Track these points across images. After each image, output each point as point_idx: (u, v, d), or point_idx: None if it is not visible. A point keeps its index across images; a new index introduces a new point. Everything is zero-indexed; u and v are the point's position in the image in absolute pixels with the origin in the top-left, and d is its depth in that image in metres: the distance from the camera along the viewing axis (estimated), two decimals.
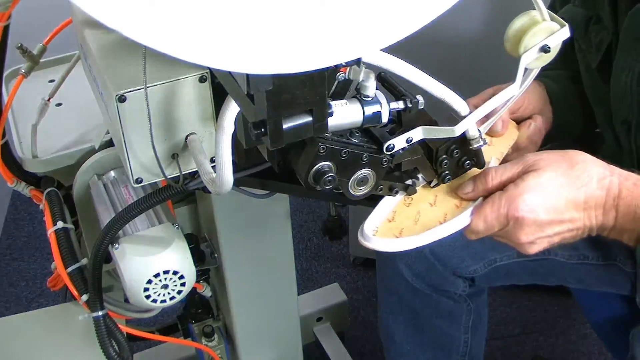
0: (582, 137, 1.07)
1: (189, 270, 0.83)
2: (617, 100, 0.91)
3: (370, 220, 0.76)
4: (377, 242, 0.75)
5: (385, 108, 0.68)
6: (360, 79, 0.65)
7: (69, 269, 0.84)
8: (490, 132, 0.87)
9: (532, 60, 0.71)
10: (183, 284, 0.83)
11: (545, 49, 0.70)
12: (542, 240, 0.75)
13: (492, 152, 0.85)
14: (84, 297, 0.83)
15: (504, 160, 0.85)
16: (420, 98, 0.70)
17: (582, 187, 0.73)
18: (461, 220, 0.75)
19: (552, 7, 1.03)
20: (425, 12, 0.47)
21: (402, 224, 0.76)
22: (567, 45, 0.73)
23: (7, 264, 1.89)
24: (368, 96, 0.67)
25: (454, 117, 0.73)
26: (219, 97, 0.69)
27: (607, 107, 0.94)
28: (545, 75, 1.02)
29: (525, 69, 0.72)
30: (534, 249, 0.76)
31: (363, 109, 0.67)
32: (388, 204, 0.77)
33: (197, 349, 1.16)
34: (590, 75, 0.96)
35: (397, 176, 0.76)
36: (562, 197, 0.73)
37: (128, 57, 0.69)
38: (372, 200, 0.77)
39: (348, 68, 0.64)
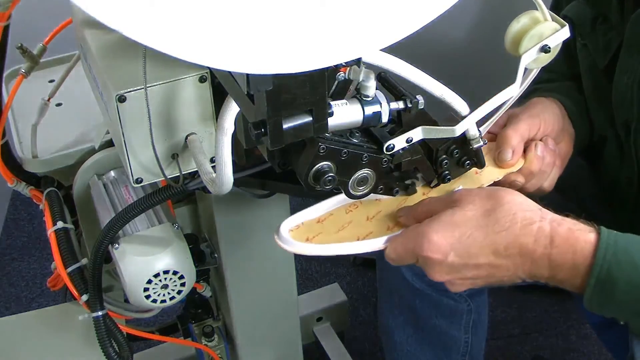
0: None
1: (189, 270, 0.83)
2: (618, 102, 0.91)
3: (300, 215, 0.75)
4: (282, 238, 0.74)
5: (385, 108, 0.68)
6: (360, 79, 0.65)
7: (69, 269, 0.84)
8: (500, 162, 0.82)
9: (532, 60, 0.71)
10: (183, 284, 0.83)
11: (545, 49, 0.70)
12: (463, 281, 0.70)
13: (483, 179, 0.81)
14: (84, 297, 0.83)
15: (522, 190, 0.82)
16: (420, 98, 0.70)
17: (501, 231, 0.67)
18: (374, 244, 0.73)
19: (557, 4, 1.02)
20: (425, 12, 0.47)
21: (325, 229, 0.75)
22: (570, 43, 0.72)
23: (7, 264, 1.89)
24: (368, 96, 0.67)
25: (454, 117, 0.73)
26: (219, 97, 0.69)
27: (609, 108, 0.94)
28: (553, 89, 0.99)
29: (526, 69, 0.72)
30: (455, 289, 0.72)
31: (363, 109, 0.67)
32: (328, 204, 0.76)
33: (197, 349, 1.16)
34: (593, 74, 0.95)
35: (397, 176, 0.76)
36: (476, 240, 0.68)
37: (128, 57, 0.69)
38: None
39: (348, 68, 0.64)
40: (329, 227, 0.75)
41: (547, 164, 0.86)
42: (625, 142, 0.93)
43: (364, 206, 0.77)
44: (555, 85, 1.02)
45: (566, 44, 0.72)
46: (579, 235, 0.67)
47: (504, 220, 0.67)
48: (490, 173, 0.82)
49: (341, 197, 0.76)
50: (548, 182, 0.88)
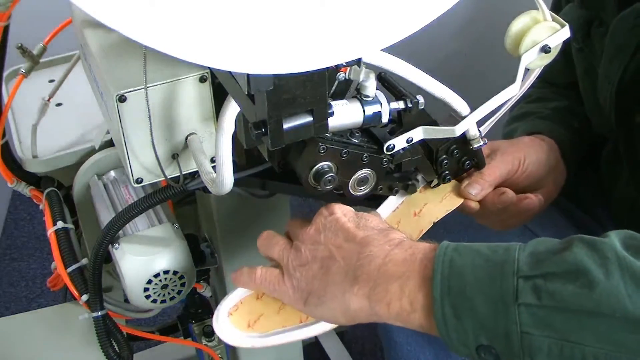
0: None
1: (189, 270, 0.83)
2: (603, 106, 0.91)
3: (238, 292, 0.71)
4: (220, 327, 0.68)
5: (386, 108, 0.68)
6: (361, 79, 0.65)
7: (69, 269, 0.84)
8: (462, 191, 0.80)
9: (532, 61, 0.71)
10: (183, 284, 0.83)
11: (545, 49, 0.70)
12: (306, 246, 0.68)
13: (429, 216, 0.78)
14: (84, 297, 0.83)
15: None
16: (420, 98, 0.70)
17: (370, 229, 0.67)
18: (321, 327, 0.69)
19: (557, 5, 1.02)
20: (425, 12, 0.47)
21: (266, 308, 0.70)
22: (566, 49, 0.72)
23: (7, 264, 1.89)
24: (368, 96, 0.67)
25: (454, 117, 0.73)
26: (219, 97, 0.69)
27: None
28: (547, 117, 0.99)
29: (526, 69, 0.72)
30: (289, 253, 0.68)
31: (363, 109, 0.67)
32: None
33: (197, 349, 1.16)
34: (590, 78, 0.95)
35: (397, 176, 0.76)
36: (347, 225, 0.67)
37: (128, 57, 0.69)
38: (372, 200, 0.77)
39: (348, 68, 0.64)
40: (269, 305, 0.70)
41: (501, 214, 0.84)
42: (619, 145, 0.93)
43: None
44: (552, 107, 1.01)
45: (563, 50, 0.72)
46: (421, 244, 0.64)
47: (381, 226, 0.68)
48: (433, 211, 0.79)
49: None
50: (511, 222, 0.86)
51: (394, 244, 0.64)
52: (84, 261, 0.85)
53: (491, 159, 0.84)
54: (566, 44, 0.71)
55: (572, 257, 0.56)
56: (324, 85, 0.58)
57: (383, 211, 0.77)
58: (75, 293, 0.84)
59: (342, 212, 0.69)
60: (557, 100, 1.03)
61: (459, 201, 0.80)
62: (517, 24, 0.71)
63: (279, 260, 0.70)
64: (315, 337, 1.55)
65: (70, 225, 0.89)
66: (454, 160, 0.77)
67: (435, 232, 0.76)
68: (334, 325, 0.68)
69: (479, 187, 0.80)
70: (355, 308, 0.63)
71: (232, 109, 0.64)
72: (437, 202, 0.79)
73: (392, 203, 0.78)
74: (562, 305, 0.54)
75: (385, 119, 0.69)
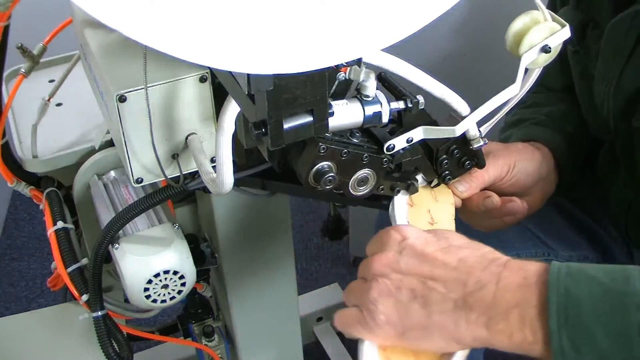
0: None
1: (189, 270, 0.83)
2: (599, 108, 0.91)
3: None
4: None
5: (386, 108, 0.68)
6: (361, 79, 0.65)
7: (69, 269, 0.84)
8: (451, 188, 0.81)
9: (532, 60, 0.71)
10: (183, 284, 0.83)
11: (545, 49, 0.70)
12: (392, 281, 0.63)
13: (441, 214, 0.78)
14: (84, 297, 0.83)
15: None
16: (420, 98, 0.70)
17: (462, 248, 0.64)
18: None
19: (552, 7, 1.02)
20: (425, 12, 0.47)
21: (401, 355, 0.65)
22: (562, 52, 0.71)
23: (7, 264, 1.89)
24: (368, 96, 0.67)
25: (454, 117, 0.73)
26: (219, 97, 0.69)
27: None
28: (541, 122, 0.98)
29: (526, 69, 0.72)
30: (379, 291, 0.63)
31: (363, 109, 0.67)
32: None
33: (197, 349, 1.16)
34: (586, 80, 0.95)
35: (397, 176, 0.76)
36: (432, 244, 0.64)
37: (128, 57, 0.69)
38: (372, 200, 0.77)
39: (348, 68, 0.64)
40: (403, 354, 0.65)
41: (488, 218, 0.85)
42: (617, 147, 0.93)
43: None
44: (546, 113, 1.01)
45: (561, 54, 0.72)
46: (529, 263, 0.61)
47: (467, 245, 0.64)
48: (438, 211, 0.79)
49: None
50: (493, 223, 0.86)
51: (500, 264, 0.61)
52: (84, 261, 0.85)
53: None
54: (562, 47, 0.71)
55: None
56: (324, 85, 0.58)
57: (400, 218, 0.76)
58: (75, 293, 0.84)
59: (415, 235, 0.65)
60: (551, 105, 1.03)
61: (449, 193, 0.80)
62: (518, 24, 0.71)
63: (356, 301, 0.65)
64: (316, 337, 1.55)
65: (70, 225, 0.89)
66: (454, 160, 0.77)
67: None
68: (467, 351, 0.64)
69: (466, 186, 0.80)
70: (470, 338, 0.60)
71: (232, 109, 0.64)
72: (434, 202, 0.79)
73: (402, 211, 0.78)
74: None
75: (385, 119, 0.69)
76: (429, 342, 0.62)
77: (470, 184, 0.81)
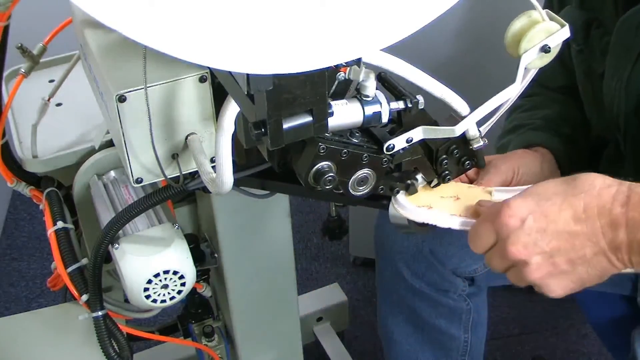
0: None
1: (189, 270, 0.83)
2: (609, 106, 0.91)
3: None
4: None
5: (385, 108, 0.68)
6: (361, 79, 0.65)
7: (69, 269, 0.84)
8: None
9: (532, 61, 0.71)
10: (183, 284, 0.83)
11: (545, 49, 0.70)
12: (540, 259, 0.66)
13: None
14: (84, 297, 0.83)
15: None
16: (420, 98, 0.70)
17: (579, 194, 0.65)
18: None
19: (549, 7, 1.03)
20: (425, 12, 0.47)
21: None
22: (564, 52, 0.72)
23: (7, 264, 1.89)
24: (368, 96, 0.67)
25: (454, 117, 0.73)
26: (219, 97, 0.69)
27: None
28: (539, 127, 0.99)
29: (526, 69, 0.72)
30: (532, 273, 0.66)
31: (363, 109, 0.67)
32: None
33: (197, 349, 1.16)
34: (590, 79, 0.95)
35: (397, 176, 0.76)
36: (555, 204, 0.65)
37: (128, 57, 0.69)
38: (372, 200, 0.77)
39: (348, 68, 0.64)
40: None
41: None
42: (622, 144, 0.93)
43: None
44: (542, 116, 1.01)
45: (560, 53, 0.72)
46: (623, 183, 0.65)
47: (583, 185, 0.66)
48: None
49: None
50: None
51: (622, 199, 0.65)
52: (84, 261, 0.85)
53: (485, 172, 0.85)
54: (563, 50, 0.71)
55: None
56: (323, 85, 0.58)
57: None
58: (75, 293, 0.84)
59: (526, 212, 0.66)
60: (547, 108, 1.03)
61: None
62: (517, 24, 0.71)
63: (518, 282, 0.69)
64: (315, 337, 1.55)
65: (70, 225, 0.89)
66: (454, 160, 0.77)
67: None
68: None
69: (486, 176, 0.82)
70: (621, 265, 0.66)
71: (232, 109, 0.64)
72: (440, 199, 0.79)
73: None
74: None
75: (385, 118, 0.69)
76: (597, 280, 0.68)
77: (486, 178, 0.82)
